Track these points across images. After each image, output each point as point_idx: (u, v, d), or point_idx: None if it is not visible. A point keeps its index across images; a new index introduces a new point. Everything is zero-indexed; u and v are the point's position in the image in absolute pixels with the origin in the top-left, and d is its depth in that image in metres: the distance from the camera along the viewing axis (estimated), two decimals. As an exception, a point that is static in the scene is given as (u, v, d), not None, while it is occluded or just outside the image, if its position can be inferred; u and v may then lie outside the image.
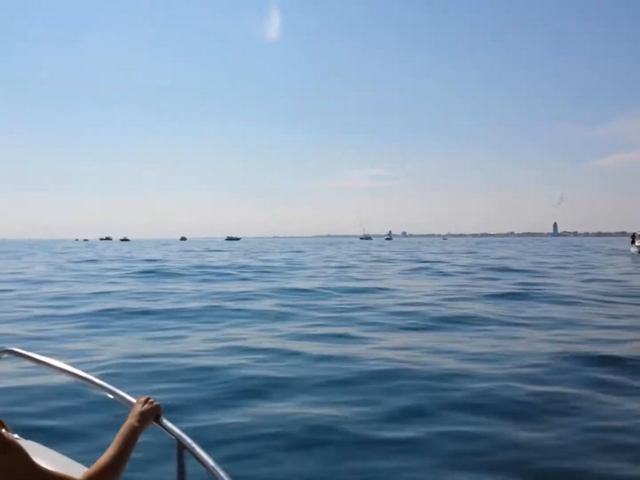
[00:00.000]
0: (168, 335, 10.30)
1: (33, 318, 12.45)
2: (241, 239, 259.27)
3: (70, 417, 5.38)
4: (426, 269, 31.46)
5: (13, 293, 18.28)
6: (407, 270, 30.88)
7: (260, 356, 8.28)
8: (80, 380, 2.02)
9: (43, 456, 1.96)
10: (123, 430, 1.62)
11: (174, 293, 18.25)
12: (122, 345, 9.28)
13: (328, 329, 11.03)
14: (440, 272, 28.77)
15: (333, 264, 37.04)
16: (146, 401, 1.76)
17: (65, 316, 12.80)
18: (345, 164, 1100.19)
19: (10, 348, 2.20)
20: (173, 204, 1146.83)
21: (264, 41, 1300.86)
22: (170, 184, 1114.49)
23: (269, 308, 14.32)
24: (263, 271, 29.79)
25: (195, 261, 41.39)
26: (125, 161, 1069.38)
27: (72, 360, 6.21)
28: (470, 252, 61.09)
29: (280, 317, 12.80)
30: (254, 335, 10.20)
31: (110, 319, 12.45)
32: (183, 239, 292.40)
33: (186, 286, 20.89)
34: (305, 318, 12.58)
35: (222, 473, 1.58)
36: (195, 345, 9.26)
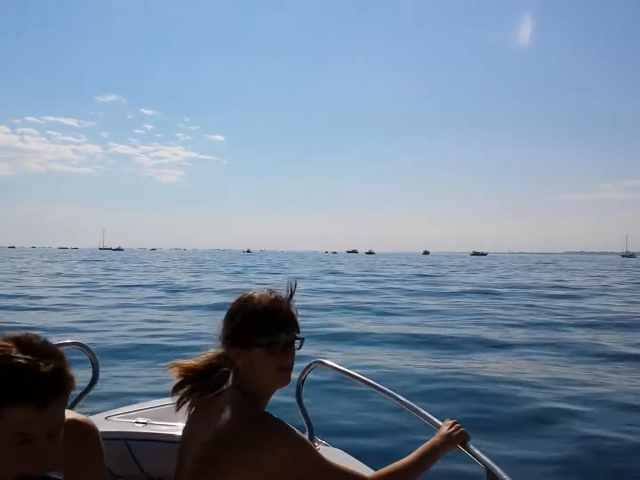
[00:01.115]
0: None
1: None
2: (487, 254, 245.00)
3: (367, 427, 5.89)
4: None
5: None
6: None
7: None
8: (385, 396, 2.11)
9: (332, 454, 2.14)
10: (425, 445, 1.71)
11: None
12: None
13: None
14: None
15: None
16: (453, 425, 1.79)
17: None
18: (597, 175, 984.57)
19: (320, 360, 2.36)
20: (414, 217, 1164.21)
21: (509, 50, 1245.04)
22: (410, 198, 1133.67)
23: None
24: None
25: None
26: (364, 175, 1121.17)
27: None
28: None
29: None
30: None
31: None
32: (426, 252, 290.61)
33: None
34: None
35: None
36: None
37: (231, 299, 1.67)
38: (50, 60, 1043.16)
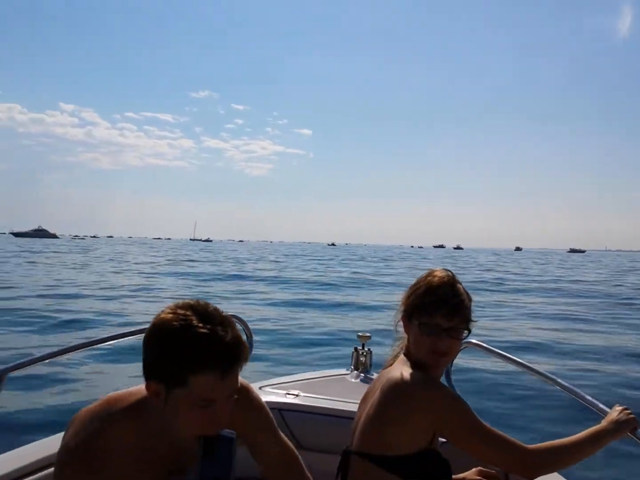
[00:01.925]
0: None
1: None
2: (585, 252, 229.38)
3: (525, 410, 5.82)
4: None
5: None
6: None
7: None
8: (544, 379, 2.08)
9: None
10: (591, 430, 1.63)
11: None
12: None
13: None
14: None
15: None
16: (622, 411, 1.71)
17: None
18: None
19: (470, 340, 2.26)
20: (506, 212, 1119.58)
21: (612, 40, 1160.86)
22: (502, 192, 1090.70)
23: None
24: None
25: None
26: (451, 168, 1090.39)
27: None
28: None
29: None
30: None
31: None
32: (518, 249, 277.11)
33: None
34: None
35: None
36: None
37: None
38: (148, 58, 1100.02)
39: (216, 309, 1.28)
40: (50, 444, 1.80)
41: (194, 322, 1.21)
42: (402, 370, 1.57)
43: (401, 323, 1.70)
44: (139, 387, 1.35)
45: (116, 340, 2.26)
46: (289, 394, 2.53)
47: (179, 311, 1.24)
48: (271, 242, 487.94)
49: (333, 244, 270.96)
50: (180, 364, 1.20)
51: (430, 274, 1.66)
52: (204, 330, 1.20)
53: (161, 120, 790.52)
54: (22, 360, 1.93)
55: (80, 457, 1.24)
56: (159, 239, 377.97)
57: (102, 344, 2.26)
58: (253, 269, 35.61)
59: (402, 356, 1.69)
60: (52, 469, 1.37)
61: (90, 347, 2.25)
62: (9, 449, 1.86)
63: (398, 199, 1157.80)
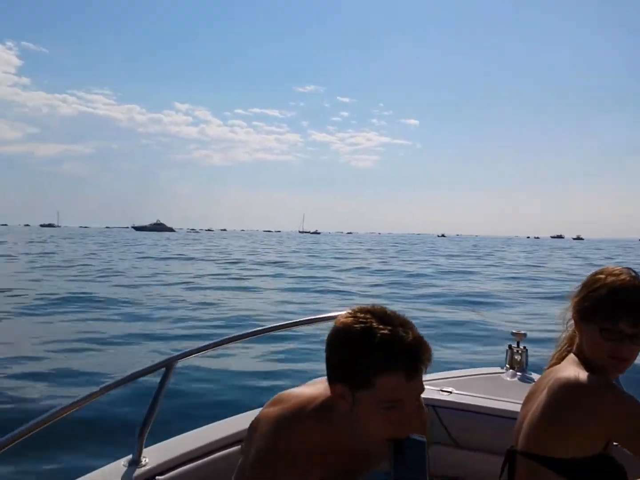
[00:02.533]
0: None
1: None
2: None
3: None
4: None
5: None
6: None
7: None
8: None
9: None
10: None
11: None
12: None
13: None
14: None
15: None
16: None
17: None
18: None
19: None
20: (633, 201, 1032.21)
21: None
22: (629, 182, 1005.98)
23: None
24: None
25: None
26: (568, 154, 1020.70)
27: None
28: None
29: None
30: None
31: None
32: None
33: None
34: None
35: None
36: None
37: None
38: (255, 56, 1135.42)
39: (394, 312, 1.28)
40: (232, 424, 2.03)
41: (375, 324, 1.22)
42: (574, 370, 1.49)
43: (571, 322, 1.63)
44: (313, 387, 1.43)
45: (287, 329, 2.28)
46: (442, 390, 2.47)
47: (359, 314, 1.25)
48: (379, 233, 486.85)
49: (443, 235, 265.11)
50: (364, 366, 1.20)
51: (611, 272, 1.53)
52: (386, 332, 1.20)
53: (269, 115, 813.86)
54: (189, 349, 1.99)
55: (269, 459, 1.28)
56: (269, 231, 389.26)
57: (271, 332, 2.31)
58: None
59: (571, 355, 1.60)
60: (235, 447, 1.78)
61: (258, 335, 2.24)
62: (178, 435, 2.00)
63: (510, 188, 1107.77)
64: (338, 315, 1.30)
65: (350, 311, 1.28)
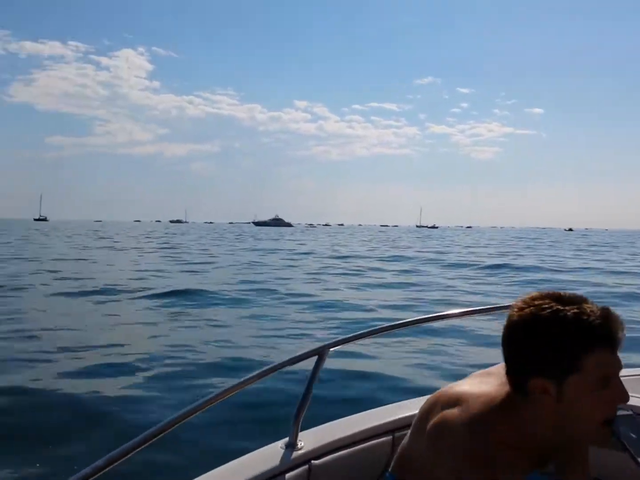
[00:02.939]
0: None
1: None
2: None
3: None
4: None
5: None
6: None
7: None
8: None
9: None
10: None
11: None
12: None
13: None
14: None
15: None
16: None
17: None
18: None
19: None
20: None
21: None
22: None
23: None
24: None
25: None
26: None
27: None
28: None
29: None
30: None
31: None
32: None
33: None
34: None
35: None
36: None
37: None
38: (371, 50, 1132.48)
39: (565, 292, 1.21)
40: (383, 414, 1.99)
41: (560, 307, 1.15)
42: None
43: None
44: (481, 382, 1.36)
45: (445, 320, 2.26)
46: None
47: (536, 302, 1.18)
48: (501, 227, 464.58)
49: (570, 229, 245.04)
50: (567, 350, 1.13)
51: None
52: (576, 311, 1.14)
53: (386, 110, 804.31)
54: (341, 337, 1.99)
55: (473, 463, 1.18)
56: (386, 226, 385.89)
57: (429, 323, 2.34)
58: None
59: None
60: (386, 437, 1.86)
61: (412, 326, 2.15)
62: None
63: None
64: (512, 305, 1.23)
65: (524, 300, 1.21)
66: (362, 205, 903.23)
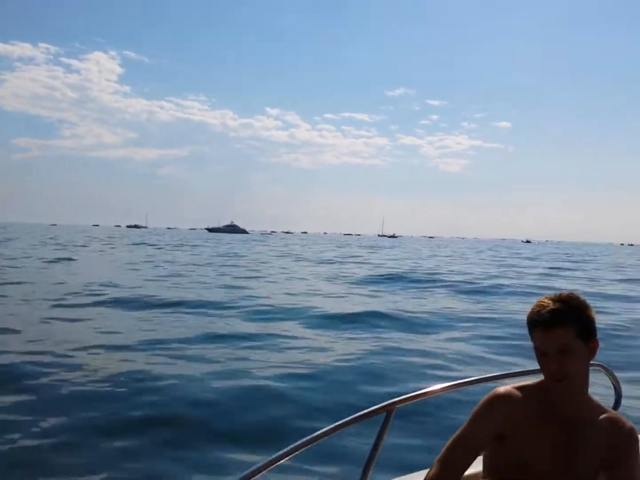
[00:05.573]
0: None
1: None
2: None
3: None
4: None
5: None
6: None
7: None
8: None
9: None
10: None
11: None
12: None
13: None
14: None
15: None
16: None
17: None
18: None
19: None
20: None
21: None
22: None
23: None
24: None
25: None
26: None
27: None
28: None
29: None
30: None
31: None
32: None
33: None
34: None
35: None
36: None
37: None
38: (345, 60, 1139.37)
39: (571, 293, 1.72)
40: None
41: (545, 302, 1.69)
42: None
43: None
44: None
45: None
46: None
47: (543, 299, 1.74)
48: (463, 238, 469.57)
49: (528, 241, 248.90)
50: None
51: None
52: (541, 303, 1.70)
53: (358, 120, 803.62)
54: (409, 394, 1.99)
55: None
56: (350, 234, 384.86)
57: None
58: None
59: None
60: None
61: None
62: None
63: (605, 191, 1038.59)
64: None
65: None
66: (330, 214, 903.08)
